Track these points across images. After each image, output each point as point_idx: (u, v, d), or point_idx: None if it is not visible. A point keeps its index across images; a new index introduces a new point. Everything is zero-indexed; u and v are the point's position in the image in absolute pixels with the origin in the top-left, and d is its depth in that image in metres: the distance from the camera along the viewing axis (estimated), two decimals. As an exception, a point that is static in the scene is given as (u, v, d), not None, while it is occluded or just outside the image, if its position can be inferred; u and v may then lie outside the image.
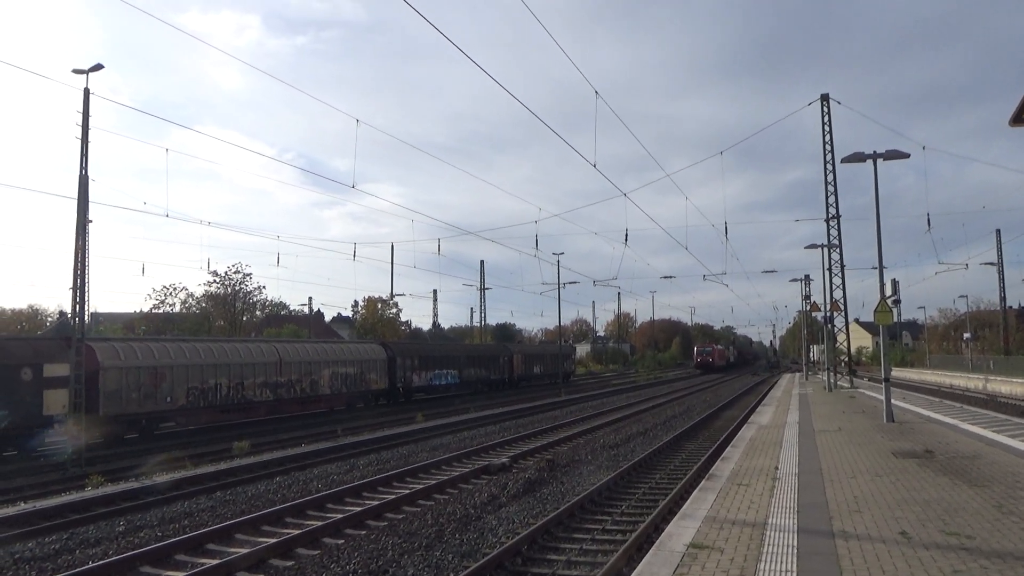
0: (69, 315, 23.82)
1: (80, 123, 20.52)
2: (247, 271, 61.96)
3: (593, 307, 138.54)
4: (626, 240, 35.92)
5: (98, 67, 20.49)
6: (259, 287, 64.40)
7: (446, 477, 15.42)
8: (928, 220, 38.75)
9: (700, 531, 8.00)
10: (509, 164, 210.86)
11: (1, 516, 12.19)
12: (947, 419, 19.86)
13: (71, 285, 21.32)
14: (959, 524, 7.84)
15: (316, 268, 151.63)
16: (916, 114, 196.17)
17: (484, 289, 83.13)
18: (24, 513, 12.52)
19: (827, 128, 38.24)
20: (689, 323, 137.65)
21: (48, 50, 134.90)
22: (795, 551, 7.04)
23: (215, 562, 9.37)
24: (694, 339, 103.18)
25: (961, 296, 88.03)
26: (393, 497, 13.30)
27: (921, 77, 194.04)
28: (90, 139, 20.61)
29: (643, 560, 7.17)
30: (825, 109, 38.28)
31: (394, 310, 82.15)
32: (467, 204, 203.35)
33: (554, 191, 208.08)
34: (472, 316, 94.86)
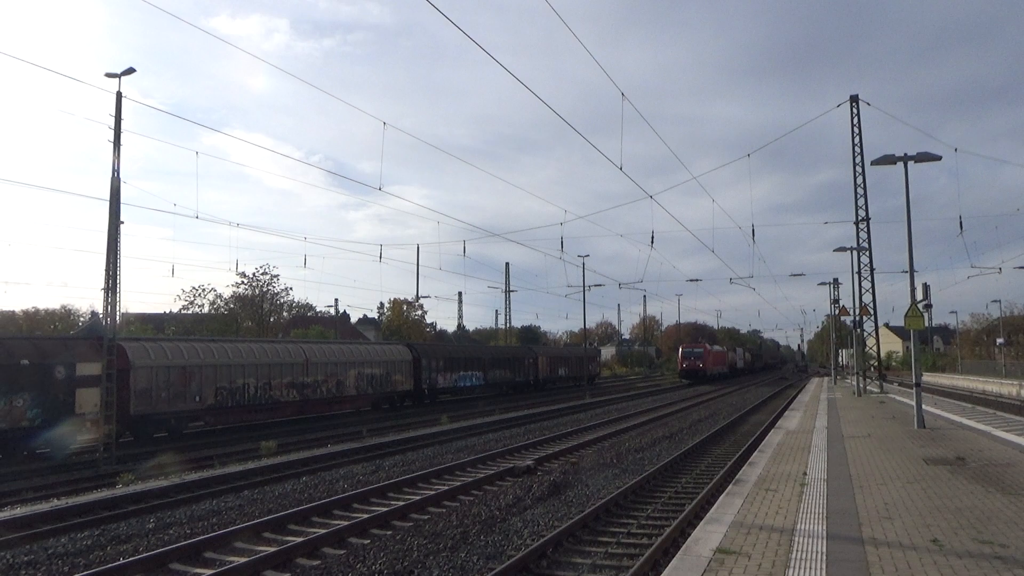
0: (101, 315, 24.23)
1: (112, 127, 20.84)
2: (274, 272, 62.67)
3: (619, 310, 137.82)
4: (652, 242, 35.88)
5: (130, 71, 20.74)
6: (286, 288, 64.99)
7: (471, 479, 15.45)
8: (960, 223, 37.72)
9: (727, 536, 7.93)
10: (535, 166, 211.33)
11: (35, 512, 12.45)
12: (980, 426, 19.51)
13: (103, 286, 21.66)
14: (992, 532, 7.70)
15: (342, 270, 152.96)
16: (948, 116, 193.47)
17: (509, 291, 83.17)
18: (57, 509, 12.76)
19: (857, 130, 37.68)
20: (716, 326, 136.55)
21: (80, 54, 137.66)
22: (824, 557, 6.95)
23: (243, 560, 9.47)
24: (720, 342, 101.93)
25: (994, 300, 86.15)
26: (418, 498, 13.35)
27: (953, 78, 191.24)
28: (122, 142, 20.92)
29: (669, 565, 7.12)
30: (855, 111, 37.70)
31: (419, 312, 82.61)
32: (492, 206, 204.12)
33: (580, 193, 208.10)
34: (497, 318, 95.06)
